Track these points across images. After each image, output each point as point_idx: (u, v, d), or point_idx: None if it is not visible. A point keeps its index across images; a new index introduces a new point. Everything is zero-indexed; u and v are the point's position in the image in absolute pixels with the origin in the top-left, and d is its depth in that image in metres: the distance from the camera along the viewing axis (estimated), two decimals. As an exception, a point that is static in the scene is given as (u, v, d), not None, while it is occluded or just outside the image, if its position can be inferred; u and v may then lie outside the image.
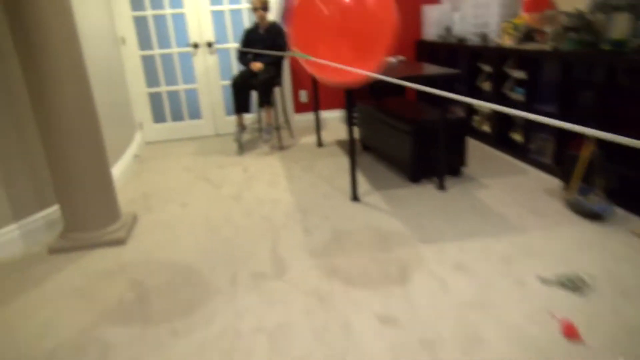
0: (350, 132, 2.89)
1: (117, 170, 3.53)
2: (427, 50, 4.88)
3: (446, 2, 4.75)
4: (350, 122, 2.90)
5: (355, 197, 2.96)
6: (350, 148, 2.91)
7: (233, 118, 4.89)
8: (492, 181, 3.13)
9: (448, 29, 4.59)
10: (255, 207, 2.94)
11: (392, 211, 2.76)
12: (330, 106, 5.09)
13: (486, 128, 3.99)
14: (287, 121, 4.63)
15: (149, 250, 2.46)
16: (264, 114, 4.18)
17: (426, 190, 3.05)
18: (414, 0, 4.93)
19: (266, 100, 4.03)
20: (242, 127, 4.19)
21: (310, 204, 2.93)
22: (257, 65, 4.13)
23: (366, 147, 4.01)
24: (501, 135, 3.78)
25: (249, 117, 4.82)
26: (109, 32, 4.09)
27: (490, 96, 3.81)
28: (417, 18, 5.00)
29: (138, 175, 3.78)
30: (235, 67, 4.79)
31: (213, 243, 2.49)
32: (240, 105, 4.12)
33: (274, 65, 4.23)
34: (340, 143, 4.29)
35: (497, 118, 3.76)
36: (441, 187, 3.06)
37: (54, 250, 2.47)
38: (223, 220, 2.77)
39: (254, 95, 4.43)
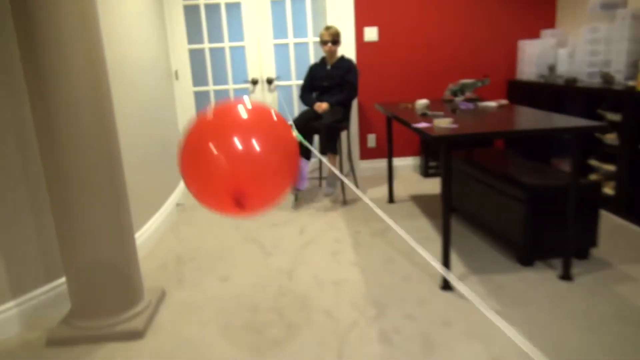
0: (446, 198, 2.16)
1: (154, 222, 3.00)
2: (523, 92, 4.11)
3: (548, 36, 4.00)
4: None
5: (447, 285, 2.21)
6: (445, 221, 2.18)
7: (290, 163, 4.31)
8: (636, 270, 2.28)
9: (552, 68, 3.82)
10: (313, 291, 2.26)
11: (502, 310, 1.98)
12: (402, 153, 4.41)
13: (609, 190, 3.13)
14: (352, 170, 3.98)
15: (169, 352, 1.82)
16: (326, 162, 3.56)
17: (544, 279, 2.24)
18: (508, 34, 4.22)
19: (331, 147, 3.41)
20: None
21: (387, 292, 2.20)
22: (322, 106, 3.54)
23: (452, 208, 3.26)
24: (635, 202, 2.91)
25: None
26: (162, 66, 3.68)
27: (619, 152, 2.97)
28: (512, 55, 4.27)
29: (177, 229, 3.23)
30: (297, 107, 4.25)
31: (254, 349, 1.81)
32: (300, 151, 3.52)
33: (342, 106, 3.63)
34: (416, 199, 3.57)
35: (628, 178, 2.90)
36: (565, 275, 2.24)
37: (52, 342, 1.89)
38: (270, 312, 2.10)
39: (316, 140, 3.82)
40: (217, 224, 3.30)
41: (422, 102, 3.01)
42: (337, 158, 3.52)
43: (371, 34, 4.09)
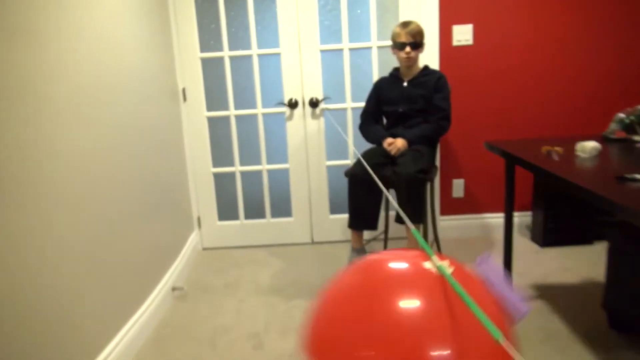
0: None
1: (136, 322, 1.80)
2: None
3: None
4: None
5: None
6: None
7: (340, 219, 3.05)
8: None
9: None
10: None
11: None
12: (499, 206, 3.05)
13: None
14: (435, 236, 2.67)
15: None
16: (408, 232, 2.26)
17: None
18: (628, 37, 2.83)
19: (413, 213, 2.11)
20: (360, 251, 2.30)
21: None
22: (396, 144, 2.27)
23: (624, 324, 1.89)
24: None
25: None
26: (163, 82, 2.54)
27: None
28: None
29: (166, 337, 2.01)
30: (357, 143, 2.99)
31: None
32: (361, 214, 2.25)
33: (427, 144, 2.34)
34: (546, 293, 2.20)
35: None
36: None
37: None
38: None
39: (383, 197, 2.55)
40: (225, 334, 2.05)
41: (590, 146, 1.70)
42: (422, 230, 2.22)
43: (463, 34, 2.80)
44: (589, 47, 2.81)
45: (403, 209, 2.14)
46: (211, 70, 2.92)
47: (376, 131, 2.42)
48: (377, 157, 2.29)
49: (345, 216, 3.04)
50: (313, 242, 3.11)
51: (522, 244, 2.88)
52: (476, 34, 2.81)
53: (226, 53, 2.88)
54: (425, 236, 2.27)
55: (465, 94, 2.88)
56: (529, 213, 3.03)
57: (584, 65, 2.84)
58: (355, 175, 2.21)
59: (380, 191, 2.27)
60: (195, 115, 2.94)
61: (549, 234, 2.77)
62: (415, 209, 2.11)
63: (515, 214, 3.07)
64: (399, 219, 2.19)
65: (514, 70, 2.85)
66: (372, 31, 2.83)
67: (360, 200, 2.22)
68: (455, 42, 2.81)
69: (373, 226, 2.27)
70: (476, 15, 2.79)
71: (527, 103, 2.89)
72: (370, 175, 2.19)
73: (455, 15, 2.79)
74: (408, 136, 2.30)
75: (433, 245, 2.69)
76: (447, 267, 0.86)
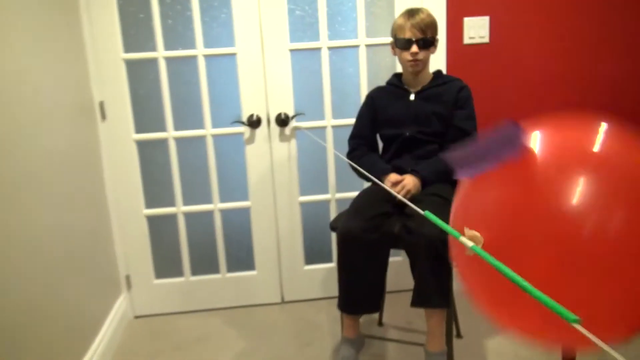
0: None
1: None
2: None
3: None
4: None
5: None
6: None
7: (318, 270, 2.35)
8: None
9: None
10: None
11: None
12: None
13: None
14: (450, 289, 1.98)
15: None
16: (428, 319, 1.54)
17: None
18: None
19: (439, 292, 1.41)
20: (355, 342, 1.58)
21: None
22: (405, 185, 1.57)
23: None
24: None
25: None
26: (72, 96, 1.76)
27: None
28: None
29: None
30: (346, 176, 2.29)
31: None
32: (359, 292, 1.53)
33: (448, 181, 1.65)
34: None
35: None
36: None
37: None
38: None
39: (394, 266, 1.84)
40: None
41: None
42: (446, 316, 1.52)
43: (477, 29, 2.15)
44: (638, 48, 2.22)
45: (423, 285, 1.44)
46: (140, 77, 2.14)
47: (373, 163, 1.71)
48: (378, 204, 1.58)
49: (324, 267, 2.34)
50: (283, 302, 2.37)
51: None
52: (493, 29, 2.16)
53: (161, 53, 2.11)
54: (449, 324, 1.56)
55: (479, 105, 2.22)
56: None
57: (630, 72, 2.25)
58: (350, 233, 1.48)
59: (386, 254, 1.56)
60: (119, 139, 2.15)
61: None
62: (440, 285, 1.41)
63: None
64: (417, 301, 1.46)
65: (541, 75, 2.22)
66: (359, 24, 2.13)
67: (357, 271, 1.49)
68: (467, 40, 2.15)
69: (375, 307, 1.55)
70: (494, 5, 2.14)
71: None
72: (373, 232, 1.48)
73: (468, 4, 2.13)
74: (422, 172, 1.61)
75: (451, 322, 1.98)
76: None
